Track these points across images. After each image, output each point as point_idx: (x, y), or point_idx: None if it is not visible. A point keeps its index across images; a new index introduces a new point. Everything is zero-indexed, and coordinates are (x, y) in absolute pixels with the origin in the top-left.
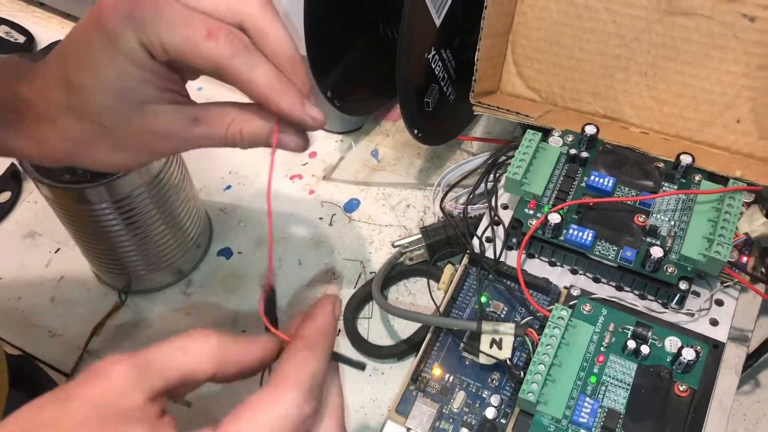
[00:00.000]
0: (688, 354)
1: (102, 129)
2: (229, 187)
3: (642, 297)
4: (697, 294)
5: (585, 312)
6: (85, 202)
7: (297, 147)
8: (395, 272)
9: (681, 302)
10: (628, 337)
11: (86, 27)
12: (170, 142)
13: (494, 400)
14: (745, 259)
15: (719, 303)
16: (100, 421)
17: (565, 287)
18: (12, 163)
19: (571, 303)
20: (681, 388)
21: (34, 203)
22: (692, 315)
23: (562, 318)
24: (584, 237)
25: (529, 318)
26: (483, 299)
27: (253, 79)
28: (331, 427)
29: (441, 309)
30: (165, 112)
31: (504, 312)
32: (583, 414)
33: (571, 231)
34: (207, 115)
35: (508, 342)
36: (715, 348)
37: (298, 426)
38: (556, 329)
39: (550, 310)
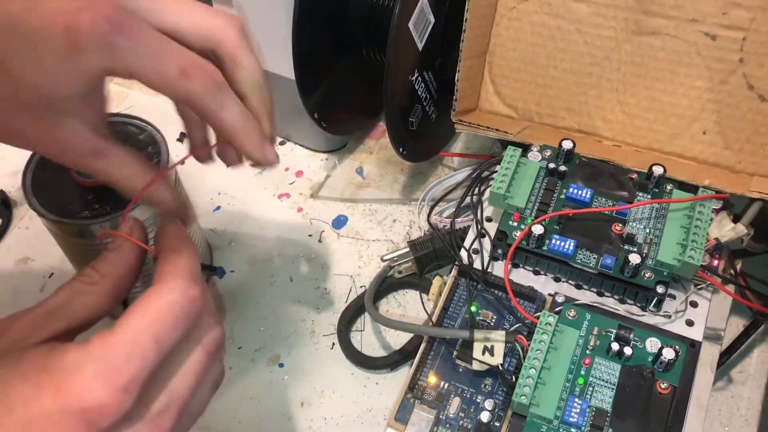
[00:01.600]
0: (668, 354)
1: (12, 101)
2: (218, 207)
3: (622, 301)
4: (673, 297)
5: (570, 317)
6: (89, 236)
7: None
8: (385, 285)
9: (658, 305)
10: (612, 339)
11: (48, 23)
12: (61, 156)
13: (488, 404)
14: (716, 262)
15: (694, 304)
16: (10, 354)
17: (550, 294)
18: (2, 190)
19: (556, 309)
20: (662, 386)
21: (25, 229)
22: (669, 317)
23: (550, 324)
24: (566, 246)
25: (517, 325)
26: (473, 308)
27: (221, 118)
28: (199, 355)
29: (434, 319)
30: (75, 132)
31: (493, 320)
32: (573, 414)
33: (553, 241)
34: (111, 155)
35: (499, 349)
36: (692, 347)
37: (188, 309)
38: (545, 335)
39: (538, 317)
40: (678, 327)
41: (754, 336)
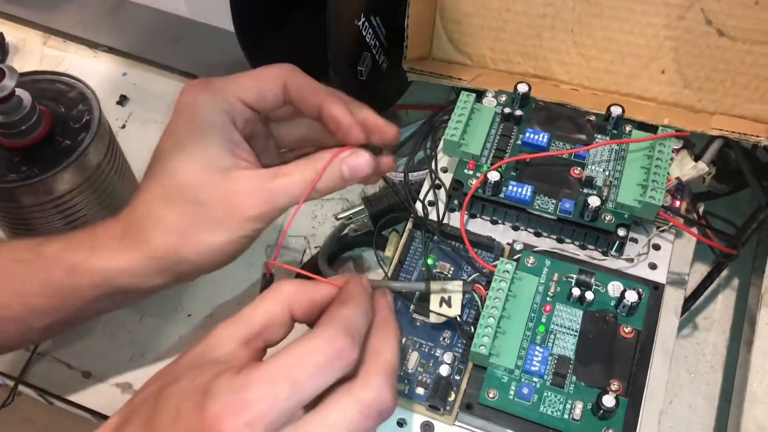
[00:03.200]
0: (631, 296)
1: (197, 207)
2: None
3: (583, 247)
4: (635, 240)
5: (529, 265)
6: (17, 200)
7: (366, 161)
8: (341, 244)
9: (620, 249)
10: (573, 285)
11: (175, 124)
12: (258, 198)
13: (447, 357)
14: (678, 203)
15: (656, 247)
16: (199, 366)
17: (508, 243)
18: None
19: (515, 257)
20: (626, 330)
21: None
22: (631, 261)
23: (508, 271)
24: (523, 193)
25: (475, 275)
26: (429, 261)
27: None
28: (374, 380)
29: (389, 273)
30: (246, 175)
31: (451, 272)
32: (534, 363)
33: (510, 188)
34: (284, 168)
35: (456, 300)
36: (656, 290)
37: (329, 360)
38: (503, 282)
39: (496, 266)
40: (641, 270)
41: (718, 281)
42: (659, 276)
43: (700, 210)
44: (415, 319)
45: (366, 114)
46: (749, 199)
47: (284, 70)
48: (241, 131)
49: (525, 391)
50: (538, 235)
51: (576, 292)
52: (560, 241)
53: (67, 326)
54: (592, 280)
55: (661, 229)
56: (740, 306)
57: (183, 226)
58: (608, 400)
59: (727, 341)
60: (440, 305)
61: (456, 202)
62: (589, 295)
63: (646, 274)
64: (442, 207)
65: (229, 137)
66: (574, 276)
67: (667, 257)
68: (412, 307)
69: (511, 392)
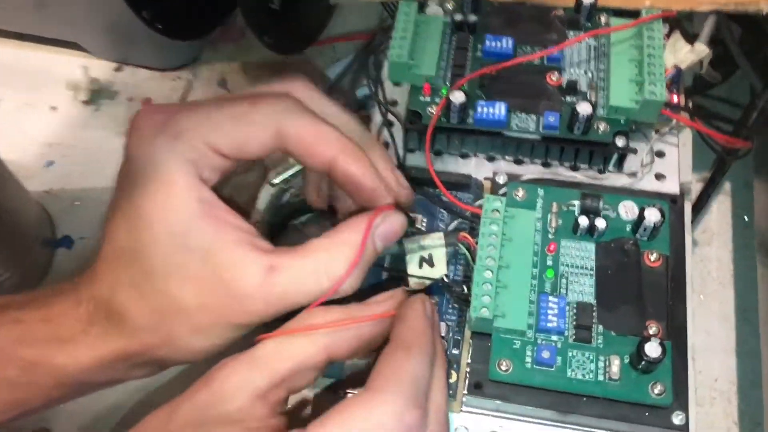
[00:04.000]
0: (653, 216)
1: (171, 303)
2: (51, 162)
3: (574, 168)
4: (634, 151)
5: (519, 199)
6: None
7: (402, 226)
8: (283, 214)
9: (620, 163)
10: (577, 213)
11: (126, 179)
12: (246, 302)
13: (440, 330)
14: (675, 98)
15: (660, 155)
16: (201, 424)
17: (487, 179)
18: None
19: (500, 193)
20: (651, 258)
21: None
22: (635, 175)
23: (497, 210)
24: (496, 112)
25: (456, 222)
26: None
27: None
28: None
29: None
30: (235, 262)
31: (424, 224)
32: (550, 318)
33: (479, 110)
34: (294, 254)
35: (439, 256)
36: (674, 203)
37: None
38: (493, 225)
39: (480, 207)
40: (648, 184)
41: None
42: (670, 187)
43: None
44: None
45: (379, 162)
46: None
47: (279, 111)
48: (213, 184)
49: (545, 354)
50: (519, 162)
51: (583, 221)
52: (547, 165)
53: (29, 415)
54: (600, 204)
55: (662, 132)
56: (738, 212)
57: (156, 324)
58: (652, 349)
59: (731, 253)
60: (420, 266)
61: (415, 138)
62: (600, 223)
63: (656, 187)
64: (400, 148)
65: (198, 196)
66: (577, 202)
67: (675, 164)
68: (384, 275)
69: (528, 359)
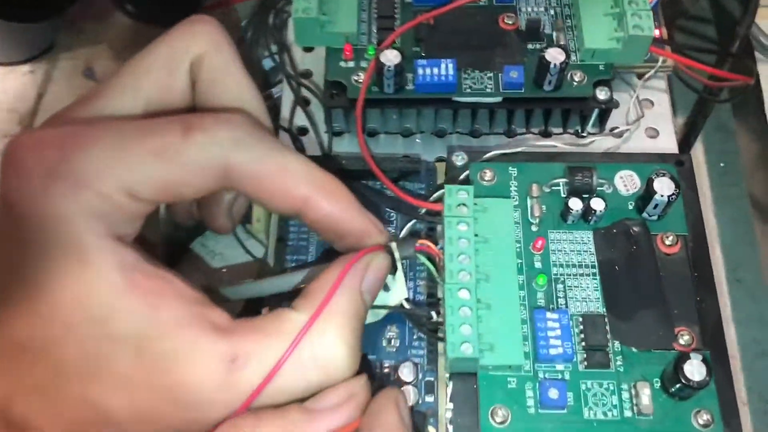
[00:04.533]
0: (665, 187)
1: (95, 411)
2: None
3: (545, 134)
4: (616, 105)
5: (487, 183)
6: None
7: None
8: (181, 231)
9: (602, 121)
10: (564, 195)
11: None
12: (201, 409)
13: (405, 373)
14: (657, 32)
15: (648, 104)
16: None
17: (440, 159)
18: None
19: (460, 179)
20: (667, 242)
21: None
22: (620, 135)
23: (464, 204)
24: (442, 74)
25: (410, 224)
26: None
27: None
28: None
29: (270, 261)
30: (177, 353)
31: None
32: (552, 341)
33: (420, 72)
34: (252, 342)
35: (396, 274)
36: (681, 165)
37: None
38: (461, 225)
39: (439, 202)
40: (640, 143)
41: None
42: (669, 144)
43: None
44: None
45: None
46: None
47: (224, 141)
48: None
49: (552, 394)
50: (476, 134)
51: (574, 204)
52: (511, 134)
53: None
54: (594, 179)
55: (647, 76)
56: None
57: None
58: (695, 369)
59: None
60: None
61: (341, 117)
62: (597, 204)
63: (652, 147)
64: (323, 133)
65: (118, 263)
66: (562, 180)
67: (668, 113)
68: None
69: (530, 403)
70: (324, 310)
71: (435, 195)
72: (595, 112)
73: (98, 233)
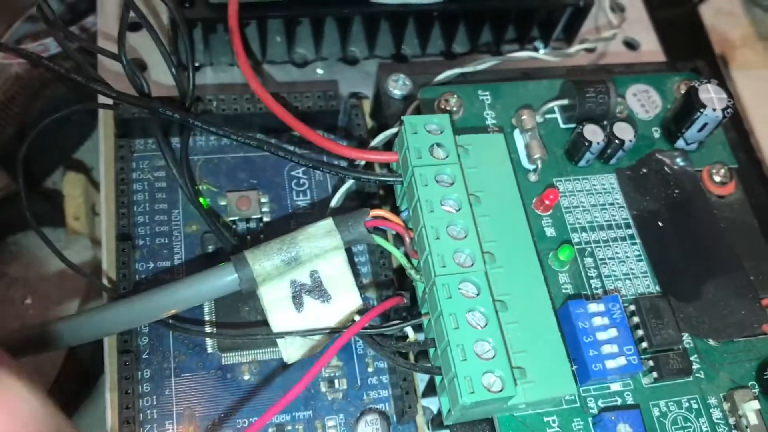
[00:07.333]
0: (714, 98)
1: None
2: None
3: (496, 52)
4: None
5: (454, 113)
6: None
7: None
8: None
9: (572, 28)
10: (567, 122)
11: None
12: None
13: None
14: None
15: (619, 8)
16: None
17: (357, 95)
18: None
19: (410, 112)
20: (717, 179)
21: None
22: (594, 50)
23: (439, 143)
24: None
25: (344, 188)
26: (203, 202)
27: None
28: None
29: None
30: None
31: (266, 206)
32: (605, 348)
33: None
34: None
35: (339, 274)
36: (698, 73)
37: None
38: (442, 174)
39: (388, 149)
40: (615, 57)
41: None
42: (650, 53)
43: None
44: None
45: None
46: None
47: None
48: None
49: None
50: (400, 59)
51: (592, 134)
52: (448, 55)
53: None
54: (610, 95)
55: None
56: None
57: None
58: None
59: None
60: (298, 308)
61: (201, 35)
62: (624, 132)
63: (631, 59)
64: (185, 60)
65: None
66: (561, 102)
67: (644, 19)
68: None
69: None
70: None
71: (379, 137)
72: (565, 15)
73: None
